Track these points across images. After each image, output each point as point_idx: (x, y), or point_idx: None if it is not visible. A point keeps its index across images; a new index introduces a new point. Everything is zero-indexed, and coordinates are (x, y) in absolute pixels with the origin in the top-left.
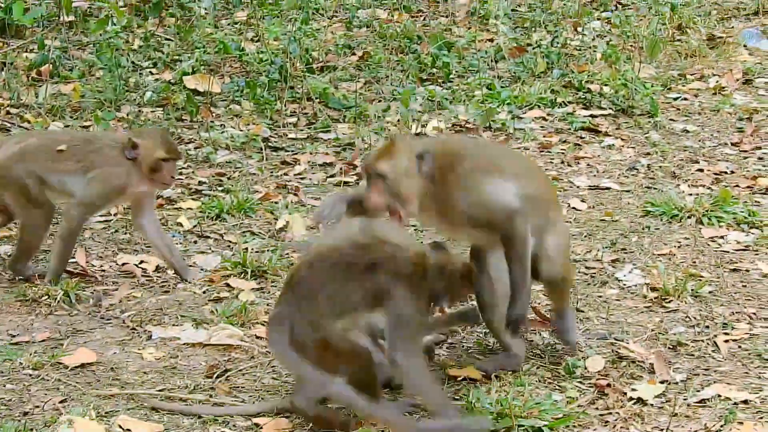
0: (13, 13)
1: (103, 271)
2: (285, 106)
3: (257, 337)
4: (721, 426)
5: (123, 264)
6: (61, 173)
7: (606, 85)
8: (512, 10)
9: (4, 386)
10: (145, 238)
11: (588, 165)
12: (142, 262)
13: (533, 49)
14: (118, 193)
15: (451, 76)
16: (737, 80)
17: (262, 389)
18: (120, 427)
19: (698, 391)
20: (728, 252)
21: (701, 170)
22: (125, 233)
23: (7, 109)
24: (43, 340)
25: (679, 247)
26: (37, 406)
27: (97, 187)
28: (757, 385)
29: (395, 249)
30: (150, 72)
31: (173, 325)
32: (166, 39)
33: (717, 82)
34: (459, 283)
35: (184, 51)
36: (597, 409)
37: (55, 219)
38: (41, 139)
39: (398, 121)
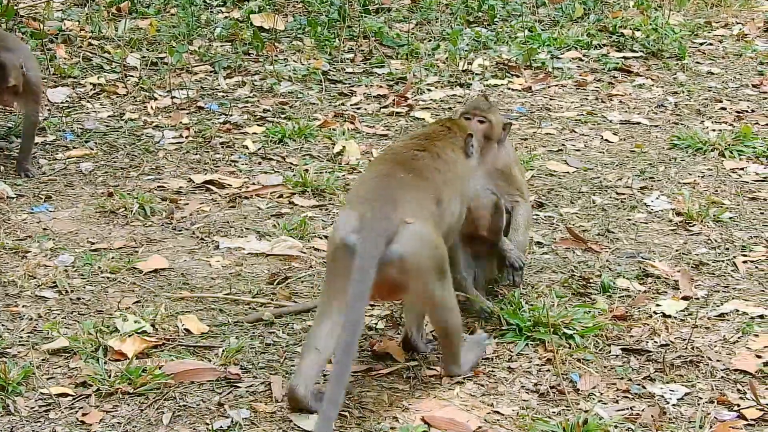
0: None
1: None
2: (343, 43)
3: (315, 249)
4: (739, 337)
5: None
6: None
7: (638, 30)
8: None
9: (84, 288)
10: None
11: (620, 102)
12: (211, 180)
13: None
14: None
15: (495, 19)
16: (759, 28)
17: (319, 295)
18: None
19: (718, 306)
20: (747, 182)
21: (724, 108)
22: (196, 153)
23: (90, 41)
24: (120, 248)
25: (702, 177)
26: (114, 306)
27: None
28: None
29: None
30: (220, 10)
31: (238, 236)
32: None
33: (740, 29)
34: None
35: None
36: (625, 320)
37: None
38: None
39: (446, 58)
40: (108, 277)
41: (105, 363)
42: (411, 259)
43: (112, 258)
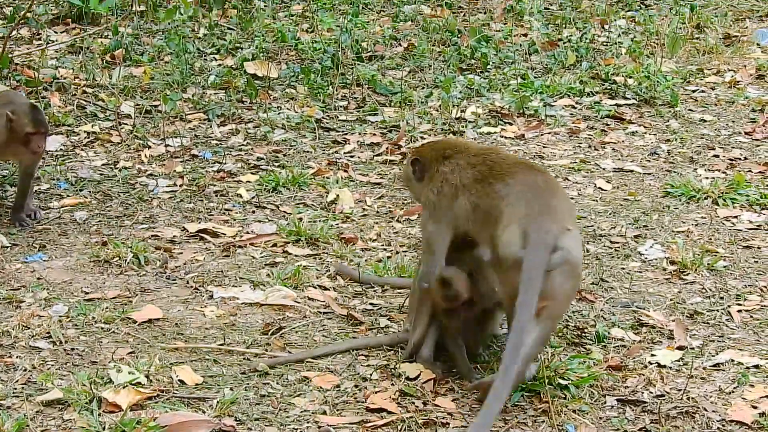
0: (89, 2)
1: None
2: (336, 90)
3: (309, 299)
4: (734, 388)
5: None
6: None
7: (630, 77)
8: (545, 8)
9: (79, 338)
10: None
11: (613, 149)
12: (205, 229)
13: (564, 43)
14: None
15: (488, 66)
16: (750, 75)
17: (313, 345)
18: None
19: (713, 356)
20: (741, 230)
21: (717, 156)
22: (190, 202)
23: (84, 89)
24: (114, 297)
25: (696, 225)
26: (108, 357)
27: None
28: (767, 351)
29: None
30: (214, 58)
31: (232, 286)
32: (229, 28)
33: (732, 76)
34: None
35: (245, 39)
36: (620, 370)
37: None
38: None
39: (439, 106)
40: (102, 328)
41: (99, 415)
42: (575, 261)
43: (106, 308)
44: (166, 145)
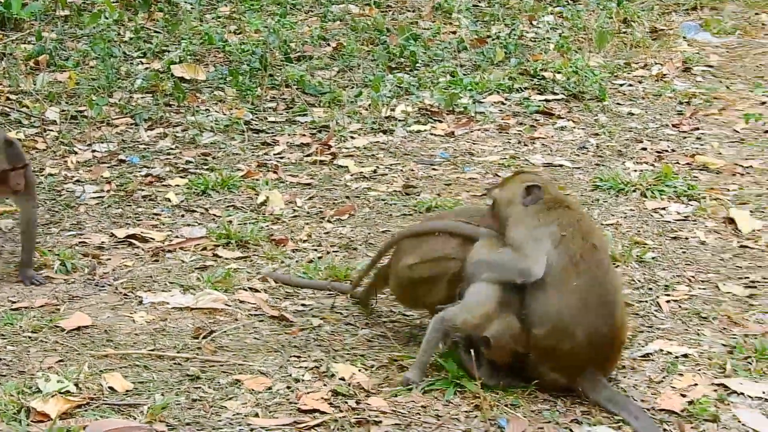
0: (12, 7)
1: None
2: (265, 92)
3: (240, 302)
4: (664, 377)
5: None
6: None
7: (558, 72)
8: (473, 5)
9: (6, 348)
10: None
11: (542, 144)
12: (134, 235)
13: (492, 40)
14: None
15: (417, 64)
16: (677, 68)
17: (245, 348)
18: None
19: (643, 346)
20: (669, 222)
21: (645, 149)
22: (118, 207)
23: (7, 95)
24: (42, 306)
25: (625, 217)
26: (36, 366)
27: None
28: (695, 340)
29: None
30: (140, 61)
31: (162, 291)
32: (155, 31)
33: (659, 70)
34: None
35: (172, 42)
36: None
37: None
38: None
39: (369, 105)
40: (30, 337)
41: (28, 425)
42: None
43: (34, 317)
44: (93, 151)
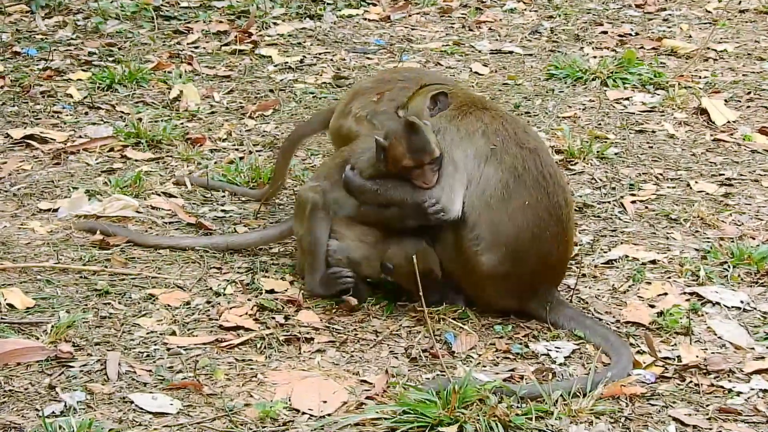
0: None
1: None
2: None
3: (152, 207)
4: (630, 286)
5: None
6: None
7: None
8: None
9: None
10: None
11: (490, 29)
12: (32, 135)
13: None
14: None
15: None
16: None
17: (159, 259)
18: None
19: (605, 252)
20: (634, 113)
21: (605, 32)
22: (13, 105)
23: None
24: None
25: (583, 109)
26: None
27: None
28: (664, 245)
29: None
30: None
31: (65, 197)
32: None
33: None
34: None
35: None
36: None
37: None
38: None
39: None
40: None
41: None
42: None
43: None
44: None
